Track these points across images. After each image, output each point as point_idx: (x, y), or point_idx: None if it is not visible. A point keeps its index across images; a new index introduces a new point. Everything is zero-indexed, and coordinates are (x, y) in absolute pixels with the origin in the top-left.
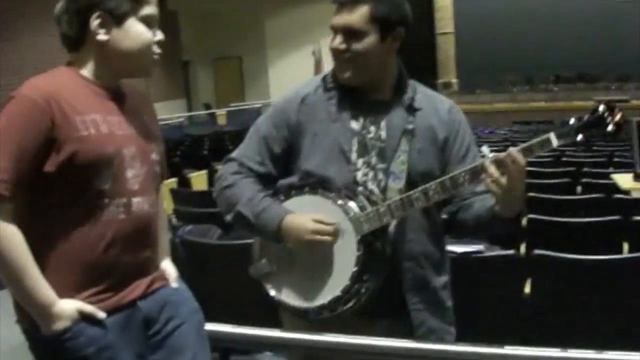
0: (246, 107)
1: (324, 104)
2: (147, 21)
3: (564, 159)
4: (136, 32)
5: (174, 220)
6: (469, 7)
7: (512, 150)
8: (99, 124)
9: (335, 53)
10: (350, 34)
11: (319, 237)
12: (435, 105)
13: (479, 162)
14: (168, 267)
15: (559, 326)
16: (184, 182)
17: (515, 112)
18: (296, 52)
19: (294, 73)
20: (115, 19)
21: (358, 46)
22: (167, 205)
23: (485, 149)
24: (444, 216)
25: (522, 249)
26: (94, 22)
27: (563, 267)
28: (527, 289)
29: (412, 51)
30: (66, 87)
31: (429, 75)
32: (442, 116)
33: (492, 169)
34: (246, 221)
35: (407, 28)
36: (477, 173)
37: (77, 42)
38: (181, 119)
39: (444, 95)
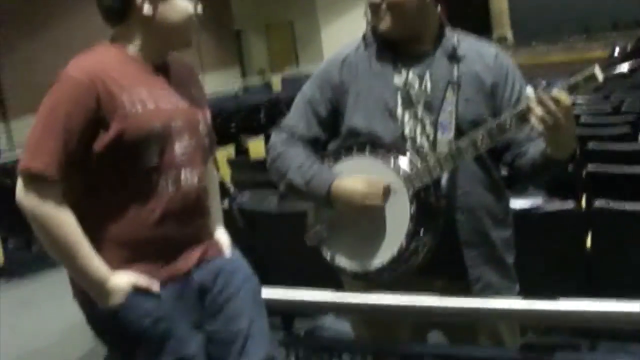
0: (300, 73)
1: (365, 62)
2: None
3: (623, 108)
4: (181, 6)
5: (231, 189)
6: None
7: (556, 88)
8: (145, 100)
9: (373, 7)
10: None
11: (369, 201)
12: (480, 52)
13: (524, 105)
14: (221, 235)
15: (622, 280)
16: (242, 151)
17: (573, 63)
18: (348, 14)
19: (347, 36)
20: None
21: None
22: (225, 173)
23: (529, 90)
24: (503, 171)
25: (583, 201)
26: None
27: (625, 218)
28: (588, 243)
29: (465, 6)
30: (111, 65)
31: (483, 30)
32: (488, 62)
33: (538, 110)
34: (297, 189)
35: None
36: (523, 116)
37: (121, 15)
38: (236, 88)
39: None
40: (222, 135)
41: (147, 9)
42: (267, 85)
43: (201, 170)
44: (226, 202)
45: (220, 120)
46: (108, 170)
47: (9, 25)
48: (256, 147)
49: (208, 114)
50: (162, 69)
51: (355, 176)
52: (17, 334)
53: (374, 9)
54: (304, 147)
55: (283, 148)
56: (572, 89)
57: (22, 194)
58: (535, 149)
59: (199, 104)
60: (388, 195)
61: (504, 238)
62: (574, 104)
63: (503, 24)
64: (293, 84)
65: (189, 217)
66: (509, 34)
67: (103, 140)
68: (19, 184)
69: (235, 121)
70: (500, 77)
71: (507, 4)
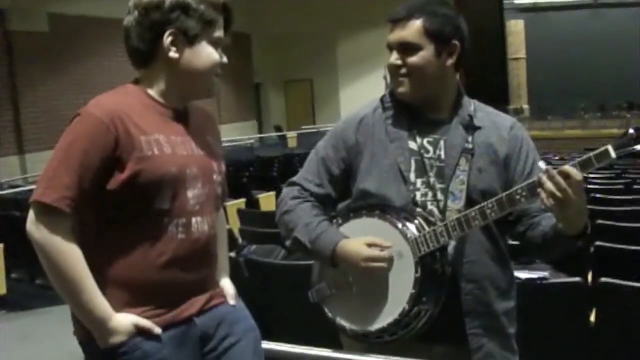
0: (317, 130)
1: (382, 124)
2: (216, 44)
3: (636, 186)
4: (207, 54)
5: (240, 240)
6: (541, 32)
7: (568, 165)
8: (162, 144)
9: (392, 69)
10: (405, 48)
11: (373, 264)
12: (496, 124)
13: (535, 178)
14: (227, 285)
15: (625, 358)
16: (253, 203)
17: (587, 139)
18: (368, 75)
19: (366, 97)
20: (189, 39)
21: (414, 60)
22: (234, 224)
23: (541, 165)
24: (513, 242)
25: (589, 277)
26: (168, 39)
27: (631, 296)
28: (593, 318)
29: (484, 76)
30: (132, 106)
31: (500, 101)
32: (503, 134)
33: (549, 185)
34: (303, 247)
35: (464, 43)
36: (534, 189)
37: (147, 58)
38: (252, 141)
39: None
40: (234, 187)
41: (173, 53)
42: (283, 140)
43: (212, 219)
44: (234, 253)
45: (234, 171)
46: (120, 210)
47: (33, 62)
48: (267, 200)
49: (223, 164)
50: (181, 116)
51: (360, 239)
52: None
53: (393, 71)
54: (314, 205)
55: (293, 204)
56: (584, 166)
57: (33, 226)
58: (547, 222)
59: (215, 153)
60: (392, 261)
61: (508, 310)
62: (586, 180)
63: (521, 96)
64: (309, 141)
65: (197, 265)
66: (526, 107)
67: (118, 180)
68: (30, 215)
69: (249, 173)
70: (514, 149)
71: (525, 77)
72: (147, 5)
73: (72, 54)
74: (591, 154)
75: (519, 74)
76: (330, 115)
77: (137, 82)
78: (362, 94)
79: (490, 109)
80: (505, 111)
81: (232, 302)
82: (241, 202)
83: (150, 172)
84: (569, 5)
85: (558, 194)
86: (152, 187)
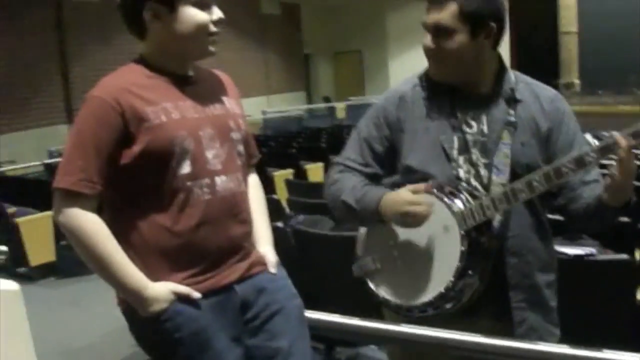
0: (365, 102)
1: (422, 102)
2: (200, 3)
3: None
4: (189, 16)
5: (287, 210)
6: (594, 6)
7: (618, 135)
8: (170, 111)
9: (427, 51)
10: (440, 32)
11: (413, 207)
12: (537, 96)
13: (583, 151)
14: (268, 253)
15: None
16: (300, 174)
17: (638, 115)
18: (416, 47)
19: (414, 68)
20: (167, 7)
21: (448, 45)
22: (281, 194)
23: (588, 136)
24: (553, 216)
25: (637, 254)
26: (147, 14)
27: None
28: (639, 296)
29: (535, 50)
30: (134, 82)
31: (551, 75)
32: (544, 106)
33: (620, 151)
34: (350, 209)
35: (502, 22)
36: (581, 162)
37: (139, 33)
38: (300, 111)
39: (566, 96)
40: (282, 157)
41: (157, 25)
42: (332, 111)
43: (238, 177)
44: (281, 222)
45: (282, 141)
46: (141, 182)
47: (82, 32)
48: (315, 171)
49: (243, 122)
50: (187, 80)
51: (403, 189)
52: (63, 331)
53: (428, 53)
54: (359, 175)
55: (339, 176)
56: (635, 136)
57: (56, 211)
58: (589, 193)
59: (231, 112)
60: (431, 210)
61: (549, 282)
62: (635, 157)
63: (571, 70)
64: (357, 112)
65: (229, 223)
66: (577, 82)
67: (132, 153)
68: (54, 202)
69: (297, 144)
70: (555, 122)
71: (577, 52)
72: None
73: (122, 24)
74: None
75: (570, 48)
76: (379, 86)
77: (140, 57)
78: (410, 66)
79: (530, 80)
80: (556, 85)
81: (272, 270)
82: (289, 172)
83: (161, 139)
84: None
85: (626, 160)
86: (166, 154)
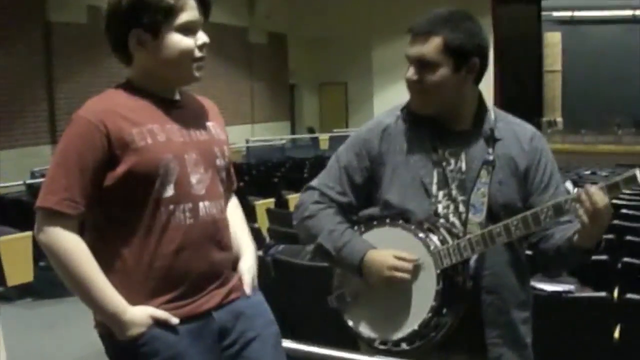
0: (349, 133)
1: (403, 135)
2: (185, 28)
3: None
4: (173, 43)
5: (267, 239)
6: (578, 45)
7: (594, 188)
8: (156, 133)
9: (409, 83)
10: (423, 65)
11: (398, 273)
12: (516, 135)
13: (562, 199)
14: (246, 269)
15: None
16: (282, 203)
17: (620, 155)
18: (401, 81)
19: (399, 101)
20: (151, 34)
21: (431, 78)
22: (262, 223)
23: (568, 185)
24: (527, 251)
25: (615, 292)
26: (132, 40)
27: None
28: (617, 334)
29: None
30: (120, 103)
31: (534, 113)
32: (523, 145)
33: (581, 202)
34: (327, 254)
35: (484, 58)
36: (559, 210)
37: (125, 58)
38: (284, 141)
39: (549, 134)
40: (264, 186)
41: (141, 51)
42: (315, 142)
43: (220, 203)
44: (261, 251)
45: (265, 170)
46: (124, 204)
47: (70, 53)
48: (296, 201)
49: (226, 148)
50: (174, 104)
51: (388, 250)
52: (39, 353)
53: (410, 85)
54: (336, 211)
55: (315, 209)
56: (611, 189)
57: (39, 230)
58: (561, 234)
59: (216, 139)
60: (417, 273)
61: (525, 319)
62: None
63: (555, 109)
64: (340, 143)
65: (209, 249)
66: (559, 120)
67: (116, 175)
68: (36, 220)
69: (280, 173)
70: (533, 160)
71: (560, 90)
72: (109, 11)
73: (109, 48)
74: (618, 178)
75: (553, 86)
76: (363, 118)
77: (127, 80)
78: (395, 99)
79: (510, 118)
80: (538, 123)
81: (247, 290)
82: (270, 202)
83: (145, 161)
84: (606, 19)
85: (592, 211)
86: (150, 175)
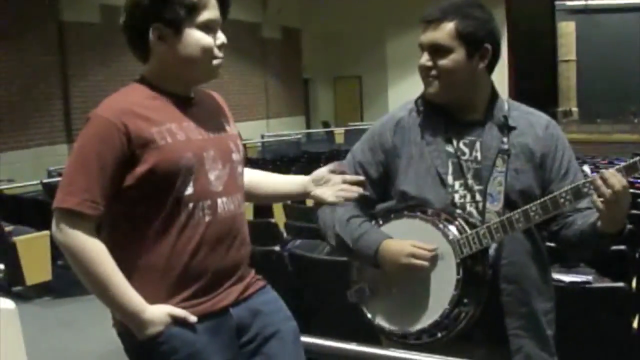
0: (364, 127)
1: (417, 127)
2: (206, 26)
3: None
4: (194, 39)
5: (285, 234)
6: (592, 34)
7: (611, 170)
8: (175, 132)
9: (423, 70)
10: (436, 50)
11: (415, 260)
12: (531, 123)
13: (580, 182)
14: (308, 177)
15: None
16: None
17: (636, 144)
18: (416, 74)
19: (413, 94)
20: (173, 29)
21: (444, 63)
22: (279, 218)
23: (586, 168)
24: (548, 242)
25: (634, 283)
26: (153, 36)
27: None
28: (636, 324)
29: (534, 77)
30: (138, 102)
31: (549, 103)
32: (538, 133)
33: (603, 188)
34: (344, 245)
35: (496, 46)
36: (578, 193)
37: (143, 54)
38: (299, 136)
39: (564, 124)
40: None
41: (162, 47)
42: (330, 136)
43: (238, 198)
44: (278, 246)
45: (281, 165)
46: (143, 203)
47: (84, 52)
48: None
49: (239, 142)
50: (190, 101)
51: (403, 239)
52: (58, 352)
53: (424, 72)
54: (354, 206)
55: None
56: (629, 170)
57: (57, 230)
58: (583, 220)
59: (230, 133)
60: (435, 261)
61: (546, 310)
62: (632, 186)
63: (570, 98)
64: (356, 137)
65: (228, 246)
66: (575, 110)
67: (136, 174)
68: (53, 221)
69: (295, 168)
70: (549, 148)
71: (575, 80)
72: (129, 5)
73: (123, 45)
74: (637, 159)
75: (568, 76)
76: (378, 112)
77: (142, 77)
78: (410, 92)
79: (524, 107)
80: (554, 113)
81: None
82: None
83: (167, 161)
84: (620, 7)
85: (608, 195)
86: (171, 175)
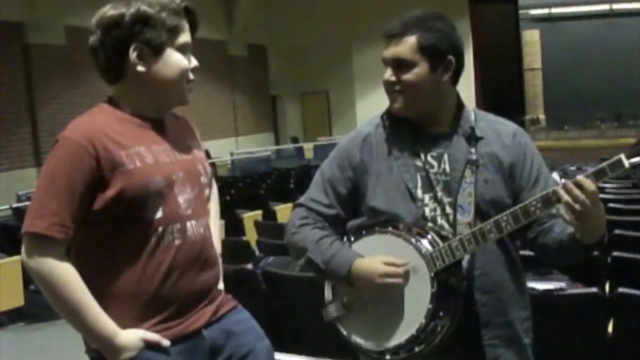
0: (333, 141)
1: (385, 142)
2: (182, 49)
3: None
4: (175, 61)
5: (256, 252)
6: (557, 42)
7: (581, 176)
8: (144, 155)
9: (387, 85)
10: (400, 65)
11: (389, 279)
12: (498, 132)
13: (550, 190)
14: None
15: None
16: (269, 215)
17: (604, 149)
18: (383, 88)
19: (381, 108)
20: (154, 50)
21: (408, 77)
22: (250, 236)
23: (555, 176)
24: (522, 251)
25: (607, 288)
26: (133, 54)
27: None
28: (610, 329)
29: (500, 87)
30: (108, 124)
31: (517, 111)
32: (505, 142)
33: (566, 197)
34: (316, 267)
35: (459, 57)
36: (548, 201)
37: (116, 74)
38: (268, 152)
39: (532, 132)
40: (250, 198)
41: (140, 66)
42: (300, 152)
43: (205, 220)
44: (250, 264)
45: (251, 182)
46: (112, 227)
47: (50, 75)
48: (284, 212)
49: (207, 164)
50: (159, 124)
51: (375, 257)
52: None
53: (389, 87)
54: (324, 225)
55: (301, 224)
56: (598, 175)
57: (26, 256)
58: (560, 228)
59: (198, 156)
60: (408, 277)
61: (522, 318)
62: (602, 190)
63: (537, 106)
64: (325, 152)
65: (198, 268)
66: (542, 117)
67: (105, 198)
68: (23, 246)
69: (266, 185)
70: (518, 157)
71: (541, 87)
72: (107, 24)
73: (89, 67)
74: (604, 164)
75: (534, 84)
76: (346, 126)
77: (110, 99)
78: (377, 105)
79: (491, 117)
80: (521, 121)
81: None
82: (258, 214)
83: (136, 184)
84: (584, 14)
85: (576, 206)
86: (141, 199)
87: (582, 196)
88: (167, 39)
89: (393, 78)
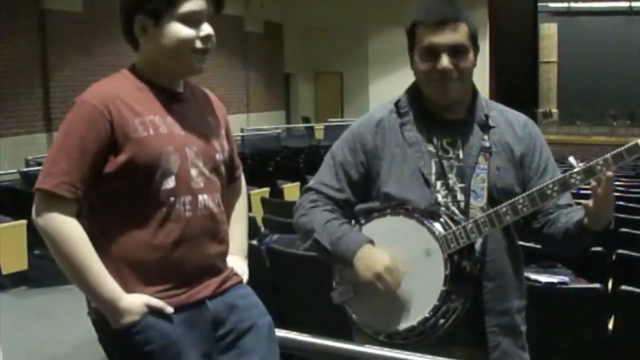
0: (345, 123)
1: (399, 128)
2: (187, 18)
3: None
4: (173, 32)
5: (262, 229)
6: (574, 37)
7: (600, 159)
8: (158, 124)
9: (443, 73)
10: (457, 52)
11: (387, 274)
12: (509, 121)
13: (567, 173)
14: (236, 264)
15: None
16: (277, 192)
17: (613, 146)
18: (397, 71)
19: (394, 91)
20: (153, 20)
21: (465, 64)
22: (257, 212)
23: (571, 160)
24: (526, 243)
25: (610, 284)
26: (137, 26)
27: None
28: (611, 326)
29: (515, 78)
30: (125, 91)
31: (529, 104)
32: (517, 132)
33: (597, 174)
34: (323, 249)
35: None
36: (565, 184)
37: (133, 43)
38: (279, 131)
39: (544, 125)
40: (259, 175)
41: (144, 37)
42: (310, 131)
43: (218, 197)
44: (255, 240)
45: (260, 159)
46: (123, 192)
47: (64, 42)
48: (291, 190)
49: (225, 143)
50: (176, 96)
51: (385, 252)
52: (32, 341)
53: (445, 75)
54: (333, 208)
55: (310, 206)
56: (616, 159)
57: (36, 213)
58: (566, 217)
59: (216, 133)
60: (424, 258)
61: (520, 307)
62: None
63: (550, 100)
64: (335, 133)
65: (207, 242)
66: (555, 111)
67: (116, 163)
68: (34, 203)
69: (275, 162)
70: (528, 146)
71: (556, 81)
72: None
73: (104, 36)
74: (622, 148)
75: (549, 78)
76: (359, 108)
77: (133, 66)
78: (390, 89)
79: (501, 107)
80: (534, 114)
81: (245, 277)
82: (265, 191)
83: (147, 152)
84: (603, 10)
85: (598, 190)
86: (151, 167)
87: (603, 179)
88: (165, 9)
89: (452, 66)
